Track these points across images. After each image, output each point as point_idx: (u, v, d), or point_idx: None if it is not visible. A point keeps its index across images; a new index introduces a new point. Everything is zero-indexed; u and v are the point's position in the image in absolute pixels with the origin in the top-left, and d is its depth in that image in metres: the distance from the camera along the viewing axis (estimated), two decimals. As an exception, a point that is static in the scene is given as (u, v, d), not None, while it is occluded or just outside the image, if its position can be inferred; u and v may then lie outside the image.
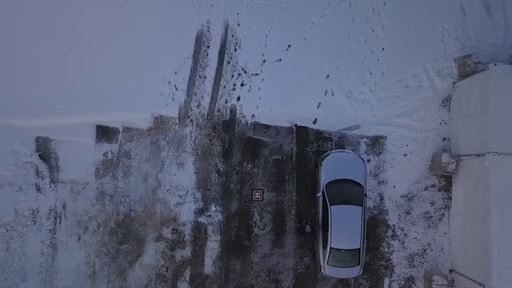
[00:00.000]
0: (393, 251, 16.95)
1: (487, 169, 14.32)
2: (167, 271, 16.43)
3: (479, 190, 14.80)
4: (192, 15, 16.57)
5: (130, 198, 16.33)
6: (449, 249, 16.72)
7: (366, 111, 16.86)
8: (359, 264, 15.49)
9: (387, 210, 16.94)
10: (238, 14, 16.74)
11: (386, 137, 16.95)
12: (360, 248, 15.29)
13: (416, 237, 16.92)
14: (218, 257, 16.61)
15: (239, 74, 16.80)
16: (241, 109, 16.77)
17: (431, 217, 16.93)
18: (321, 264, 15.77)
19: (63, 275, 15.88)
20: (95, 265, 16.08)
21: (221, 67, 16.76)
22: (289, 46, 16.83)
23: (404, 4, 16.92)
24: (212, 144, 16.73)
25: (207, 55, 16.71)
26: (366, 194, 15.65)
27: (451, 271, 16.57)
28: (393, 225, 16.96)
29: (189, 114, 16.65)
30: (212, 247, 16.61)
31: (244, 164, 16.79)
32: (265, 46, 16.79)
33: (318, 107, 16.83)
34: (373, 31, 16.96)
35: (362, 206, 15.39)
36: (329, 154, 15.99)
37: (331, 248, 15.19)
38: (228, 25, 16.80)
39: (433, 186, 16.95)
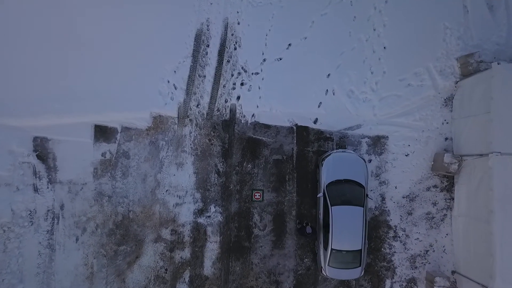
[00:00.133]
0: (394, 252, 16.86)
1: (490, 169, 14.21)
2: (166, 273, 16.36)
3: (482, 191, 14.70)
4: (191, 14, 16.51)
5: (128, 199, 16.25)
6: (451, 250, 16.63)
7: (367, 111, 16.78)
8: (360, 266, 15.42)
9: (388, 210, 16.86)
10: (238, 12, 16.68)
11: (387, 137, 16.87)
12: (361, 249, 15.22)
13: (418, 238, 16.84)
14: (218, 258, 16.53)
15: (239, 73, 16.72)
16: (241, 108, 16.70)
17: (433, 217, 16.84)
18: (322, 266, 15.71)
19: (60, 276, 15.81)
20: (93, 267, 16.00)
21: (221, 66, 16.69)
22: (289, 45, 16.75)
23: (405, 3, 16.83)
24: (211, 144, 16.63)
25: (207, 54, 16.64)
26: (367, 195, 15.58)
27: (453, 272, 16.47)
28: (394, 226, 16.88)
29: (188, 113, 16.57)
30: (212, 248, 16.53)
31: (244, 164, 16.70)
32: (265, 45, 16.72)
33: (319, 106, 16.75)
34: (374, 29, 16.87)
35: (363, 207, 15.31)
36: (330, 154, 15.92)
37: (332, 249, 15.12)
38: (228, 23, 16.73)
39: (435, 186, 16.86)
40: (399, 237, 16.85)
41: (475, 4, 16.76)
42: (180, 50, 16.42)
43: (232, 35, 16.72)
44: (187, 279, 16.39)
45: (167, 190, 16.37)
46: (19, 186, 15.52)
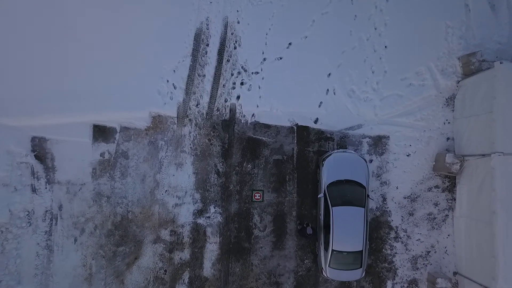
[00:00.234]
0: (396, 253, 16.83)
1: (492, 169, 14.16)
2: (165, 274, 16.28)
3: (484, 191, 14.65)
4: (191, 13, 16.43)
5: (127, 199, 16.17)
6: (453, 251, 16.61)
7: (368, 111, 16.74)
8: (361, 267, 15.40)
9: (389, 211, 16.82)
10: (238, 11, 16.63)
11: (388, 136, 16.84)
12: (362, 250, 15.21)
13: (419, 239, 16.80)
14: (218, 259, 16.47)
15: (239, 73, 16.64)
16: (241, 108, 16.63)
17: (435, 218, 16.80)
18: (322, 267, 15.65)
19: (59, 278, 15.71)
20: (91, 268, 15.93)
21: (221, 65, 16.61)
22: (290, 44, 16.69)
23: (407, 1, 16.80)
24: (211, 144, 16.55)
25: (206, 53, 16.57)
26: (368, 195, 15.57)
27: (455, 273, 16.41)
28: (396, 226, 16.84)
29: (187, 113, 16.48)
30: (211, 249, 16.46)
31: (244, 164, 16.61)
32: (266, 44, 16.66)
33: (319, 106, 16.69)
34: (375, 28, 16.84)
35: (364, 207, 15.29)
36: (330, 154, 15.87)
37: (333, 250, 15.10)
38: (227, 22, 16.66)
39: (436, 187, 16.81)
40: (400, 238, 16.81)
41: (477, 3, 16.73)
42: (180, 49, 16.34)
43: (232, 34, 16.65)
44: (186, 280, 16.32)
45: (166, 191, 16.29)
46: (17, 187, 15.40)
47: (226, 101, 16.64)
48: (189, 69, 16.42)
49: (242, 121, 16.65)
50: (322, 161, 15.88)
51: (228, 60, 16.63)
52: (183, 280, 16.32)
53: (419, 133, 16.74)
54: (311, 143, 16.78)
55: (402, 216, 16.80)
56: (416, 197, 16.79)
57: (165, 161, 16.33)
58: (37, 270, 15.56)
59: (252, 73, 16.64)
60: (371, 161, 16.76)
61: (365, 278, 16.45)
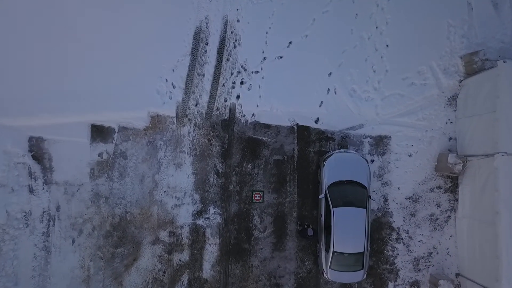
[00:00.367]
0: (397, 254, 16.77)
1: (496, 170, 14.13)
2: (164, 276, 16.19)
3: (488, 192, 14.61)
4: (190, 11, 16.35)
5: (126, 200, 16.09)
6: (455, 252, 16.55)
7: (369, 110, 16.68)
8: (362, 268, 15.35)
9: (391, 212, 16.76)
10: (237, 10, 16.56)
11: (390, 136, 16.79)
12: (364, 251, 15.14)
13: (421, 240, 16.74)
14: (217, 261, 16.39)
15: (239, 72, 16.56)
16: (241, 108, 16.56)
17: (437, 219, 16.73)
18: (323, 268, 15.59)
19: (56, 279, 15.63)
20: (89, 269, 15.85)
21: (220, 64, 16.53)
22: (290, 43, 16.63)
23: (408, 0, 16.71)
24: (210, 144, 16.46)
25: (206, 52, 16.48)
26: (370, 196, 15.52)
27: (457, 275, 16.33)
28: (397, 227, 16.77)
29: (187, 113, 16.39)
30: (211, 250, 16.39)
31: (244, 164, 16.52)
32: (266, 43, 16.58)
33: (320, 106, 16.62)
34: (377, 27, 16.78)
35: (365, 208, 15.24)
36: (331, 155, 15.81)
37: (334, 251, 15.02)
38: (227, 21, 16.59)
39: (439, 187, 16.75)
40: (402, 239, 16.75)
41: (480, 1, 16.71)
42: (179, 48, 16.25)
43: (231, 32, 16.59)
44: (185, 282, 16.25)
45: (165, 191, 16.21)
46: (14, 187, 15.30)
47: (225, 100, 16.55)
48: (189, 68, 16.34)
49: (242, 121, 16.56)
50: (323, 162, 15.81)
51: (227, 59, 16.55)
52: (182, 282, 16.24)
53: (421, 133, 16.69)
54: (312, 143, 16.71)
55: (404, 217, 16.74)
56: (418, 198, 16.72)
57: (164, 161, 16.25)
58: (34, 271, 15.47)
59: (252, 72, 16.56)
60: (372, 161, 16.70)
61: (366, 280, 16.38)
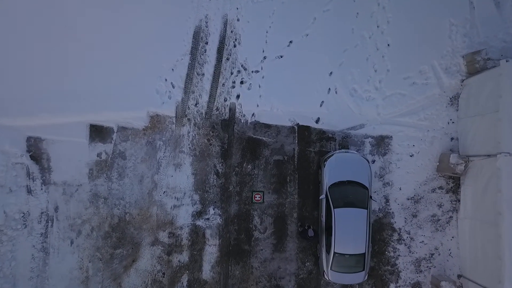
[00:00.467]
0: (399, 255, 16.71)
1: (498, 170, 14.07)
2: (163, 277, 16.13)
3: (490, 192, 14.57)
4: (189, 10, 16.31)
5: (125, 201, 16.03)
6: (457, 253, 16.50)
7: (370, 110, 16.64)
8: (364, 270, 15.30)
9: (392, 213, 16.70)
10: (237, 8, 16.52)
11: (391, 136, 16.74)
12: (365, 252, 15.08)
13: (423, 241, 16.69)
14: (217, 262, 16.33)
15: (239, 71, 16.50)
16: (241, 107, 16.51)
17: (439, 220, 16.68)
18: (324, 270, 15.54)
19: (55, 280, 15.58)
20: (88, 271, 15.80)
21: (220, 64, 16.47)
22: (290, 42, 16.59)
23: (410, -1, 16.78)
24: (210, 144, 16.39)
25: (205, 52, 16.43)
26: (371, 196, 15.49)
27: (459, 276, 16.30)
28: (399, 228, 16.72)
29: (186, 113, 16.34)
30: (211, 251, 16.33)
31: (244, 165, 16.46)
32: (266, 42, 16.54)
33: (321, 105, 16.58)
34: (378, 26, 16.74)
35: (367, 209, 15.18)
36: (332, 155, 15.77)
37: (334, 253, 14.96)
38: (227, 20, 16.54)
39: (440, 188, 16.69)
40: (404, 240, 16.69)
41: (482, 0, 16.66)
42: (178, 47, 16.21)
43: (231, 32, 16.54)
44: (185, 284, 16.19)
45: (164, 192, 16.15)
46: (12, 188, 15.24)
47: (225, 100, 16.48)
48: (188, 67, 16.29)
49: (242, 121, 16.51)
50: (324, 162, 15.76)
51: (227, 59, 16.50)
52: (182, 283, 16.18)
53: (422, 133, 16.65)
54: (313, 143, 16.66)
55: (405, 218, 16.69)
56: (420, 198, 16.66)
57: (164, 161, 16.19)
58: (32, 272, 15.42)
59: (252, 71, 16.51)
60: (373, 161, 16.65)
61: (367, 281, 16.35)
